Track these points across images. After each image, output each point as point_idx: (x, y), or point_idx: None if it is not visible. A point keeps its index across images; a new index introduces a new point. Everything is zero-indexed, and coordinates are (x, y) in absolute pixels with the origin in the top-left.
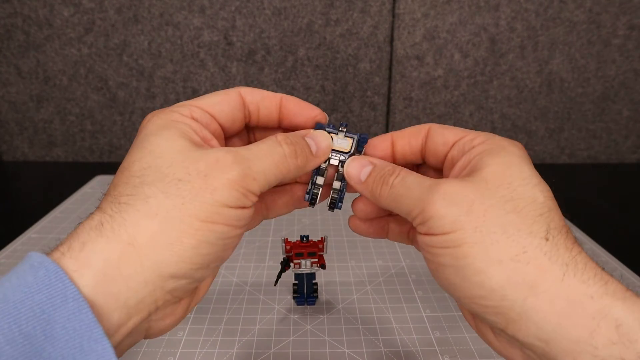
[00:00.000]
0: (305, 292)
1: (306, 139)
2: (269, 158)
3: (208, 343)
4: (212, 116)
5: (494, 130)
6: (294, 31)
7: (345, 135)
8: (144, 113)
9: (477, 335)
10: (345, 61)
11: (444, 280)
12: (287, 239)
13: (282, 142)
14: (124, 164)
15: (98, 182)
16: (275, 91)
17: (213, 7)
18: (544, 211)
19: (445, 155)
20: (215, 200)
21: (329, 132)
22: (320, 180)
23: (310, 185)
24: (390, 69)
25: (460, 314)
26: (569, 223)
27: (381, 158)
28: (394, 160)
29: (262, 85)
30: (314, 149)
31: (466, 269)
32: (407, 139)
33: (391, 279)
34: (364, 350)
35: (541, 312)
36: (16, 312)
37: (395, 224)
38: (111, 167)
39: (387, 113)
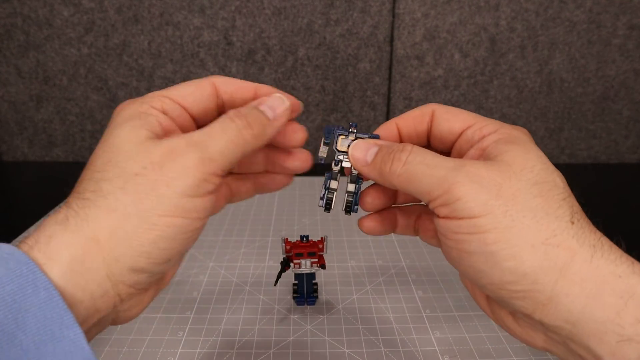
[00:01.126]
0: (305, 292)
1: (260, 107)
2: (223, 136)
3: (208, 343)
4: (184, 107)
5: None
6: (294, 31)
7: (356, 136)
8: None
9: (477, 335)
10: (345, 61)
11: (469, 267)
12: (287, 239)
13: (233, 117)
14: (91, 157)
15: None
16: None
17: (213, 7)
18: (566, 196)
19: (453, 144)
20: (174, 192)
21: (339, 134)
22: (334, 184)
23: (323, 190)
24: (390, 69)
25: (461, 313)
26: None
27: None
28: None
29: None
30: (270, 114)
31: (497, 254)
32: (412, 126)
33: (391, 279)
34: (364, 350)
35: (571, 295)
36: None
37: (402, 215)
38: None
39: (387, 113)
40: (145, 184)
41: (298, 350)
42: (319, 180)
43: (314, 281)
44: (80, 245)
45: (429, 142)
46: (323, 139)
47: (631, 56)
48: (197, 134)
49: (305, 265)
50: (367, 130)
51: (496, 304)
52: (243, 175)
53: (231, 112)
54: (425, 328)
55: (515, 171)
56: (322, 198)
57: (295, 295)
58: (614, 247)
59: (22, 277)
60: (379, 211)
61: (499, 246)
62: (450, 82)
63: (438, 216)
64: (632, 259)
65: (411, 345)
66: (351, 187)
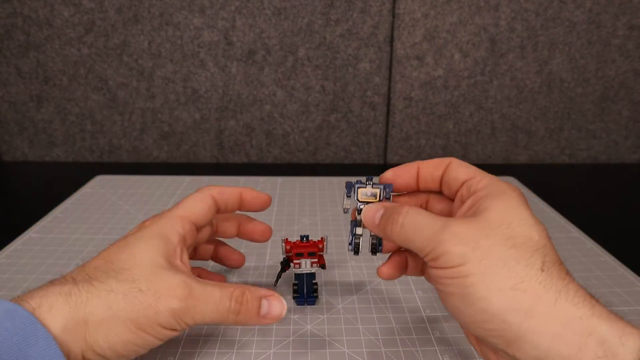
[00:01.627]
0: (305, 292)
1: (263, 300)
2: (213, 307)
3: (208, 343)
4: (195, 224)
5: (494, 130)
6: (294, 31)
7: (372, 187)
8: (144, 113)
9: None
10: (345, 61)
11: (453, 307)
12: (287, 239)
13: (232, 299)
14: (111, 249)
15: (98, 182)
16: (276, 91)
17: (213, 7)
18: (539, 247)
19: (457, 191)
20: (154, 320)
21: (359, 187)
22: (359, 230)
23: (351, 236)
24: (390, 69)
25: None
26: (571, 224)
27: (406, 182)
28: (417, 184)
29: (262, 85)
30: (264, 311)
31: (471, 296)
32: (431, 169)
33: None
34: (364, 350)
35: (536, 333)
36: None
37: (411, 259)
38: (111, 167)
39: (387, 113)
40: (141, 302)
41: (298, 350)
42: (319, 180)
43: (314, 281)
44: (73, 320)
45: (440, 187)
46: (345, 192)
47: (631, 56)
48: (198, 289)
49: (305, 265)
50: (367, 130)
51: (482, 342)
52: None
53: (236, 292)
54: (425, 328)
55: (492, 227)
56: (350, 243)
57: (295, 295)
58: (580, 292)
59: (26, 330)
60: (392, 257)
61: (473, 289)
62: (450, 82)
63: (431, 266)
64: (593, 302)
65: (411, 345)
66: (359, 231)
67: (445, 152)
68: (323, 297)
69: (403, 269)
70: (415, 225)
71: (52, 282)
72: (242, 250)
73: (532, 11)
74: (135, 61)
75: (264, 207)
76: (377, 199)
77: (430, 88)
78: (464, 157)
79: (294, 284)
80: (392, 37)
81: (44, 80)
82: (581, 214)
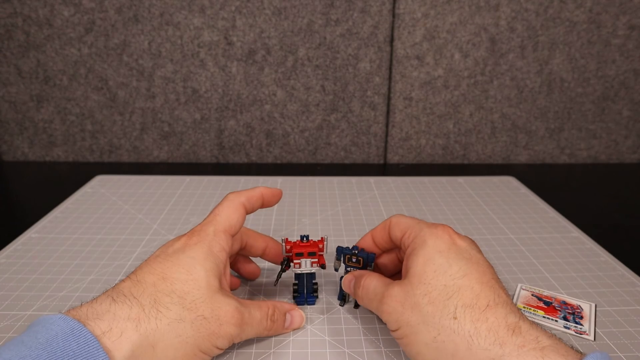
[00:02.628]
0: (305, 292)
1: (287, 314)
2: (257, 328)
3: None
4: (232, 235)
5: (494, 130)
6: (294, 31)
7: (357, 257)
8: (144, 113)
9: None
10: (345, 61)
11: (409, 357)
12: (287, 239)
13: (269, 319)
14: (166, 265)
15: (98, 182)
16: (276, 91)
17: (213, 7)
18: (452, 294)
19: (400, 247)
20: (214, 343)
21: (346, 254)
22: None
23: (340, 290)
24: (390, 69)
25: None
26: (571, 224)
27: (370, 248)
28: (378, 249)
29: (262, 85)
30: (287, 323)
31: (411, 352)
32: (380, 234)
33: None
34: (364, 350)
35: None
36: None
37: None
38: (111, 167)
39: (387, 113)
40: (206, 329)
41: (298, 350)
42: (319, 180)
43: (314, 281)
44: (142, 347)
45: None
46: (336, 255)
47: (631, 56)
48: (247, 314)
49: (305, 265)
50: (367, 130)
51: None
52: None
53: (270, 311)
54: None
55: (413, 288)
56: (338, 298)
57: (295, 295)
58: (491, 332)
59: (89, 357)
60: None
61: (410, 347)
62: (450, 82)
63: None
64: (504, 339)
65: None
66: None
67: (445, 152)
68: (323, 297)
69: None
70: (368, 293)
71: (114, 300)
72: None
73: (532, 11)
74: (136, 61)
75: (278, 201)
76: (360, 267)
77: (430, 88)
78: (463, 157)
79: (294, 284)
80: (392, 37)
81: (44, 80)
82: (581, 214)
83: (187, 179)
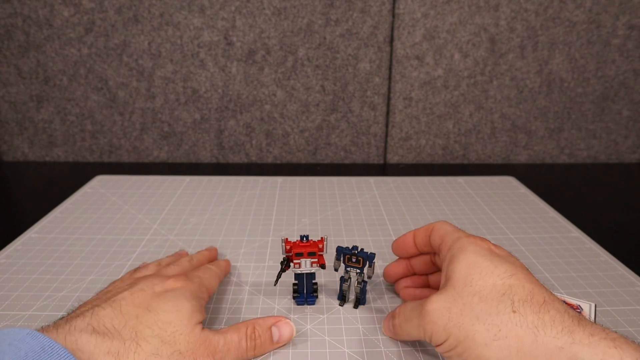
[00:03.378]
0: (305, 292)
1: (273, 328)
2: (235, 352)
3: None
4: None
5: (494, 130)
6: (294, 31)
7: (357, 258)
8: (144, 113)
9: None
10: (345, 61)
11: None
12: (287, 238)
13: (248, 338)
14: (153, 304)
15: (98, 182)
16: (276, 91)
17: (213, 7)
18: (505, 291)
19: (438, 254)
20: None
21: (345, 254)
22: (345, 286)
23: (340, 290)
24: (390, 69)
25: None
26: (571, 224)
27: (405, 249)
28: (417, 249)
29: (262, 85)
30: (276, 337)
31: (469, 358)
32: (422, 235)
33: None
34: (364, 350)
35: None
36: None
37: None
38: (111, 167)
39: (387, 113)
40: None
41: (298, 350)
42: (319, 180)
43: (313, 281)
44: None
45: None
46: (335, 255)
47: (631, 56)
48: (221, 343)
49: (305, 265)
50: (367, 130)
51: None
52: None
53: (249, 330)
54: None
55: (459, 291)
56: (338, 297)
57: (295, 295)
58: (557, 321)
59: None
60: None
61: (466, 354)
62: (450, 82)
63: (434, 346)
64: (573, 328)
65: (411, 345)
66: (357, 289)
67: (445, 152)
68: (323, 297)
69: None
70: (405, 321)
71: (95, 330)
72: (242, 250)
73: (532, 11)
74: (135, 61)
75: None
76: (361, 266)
77: (430, 88)
78: (463, 157)
79: (294, 284)
80: (392, 37)
81: (44, 80)
82: (581, 214)
83: (187, 179)
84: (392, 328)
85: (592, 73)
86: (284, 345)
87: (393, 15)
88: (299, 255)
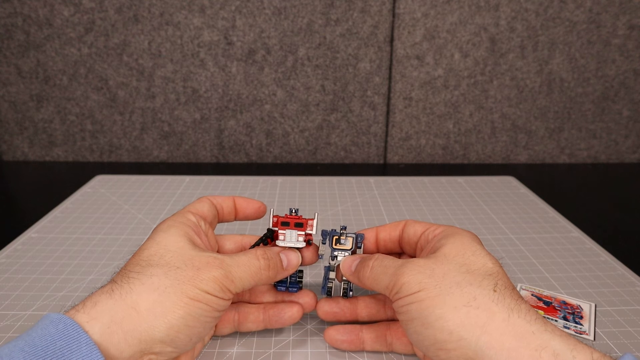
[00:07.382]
0: (288, 280)
1: (280, 254)
2: (246, 268)
3: (208, 342)
4: (202, 216)
5: (494, 130)
6: (294, 31)
7: (346, 236)
8: (144, 113)
9: None
10: (345, 61)
11: (414, 333)
12: (277, 215)
13: (260, 257)
14: (137, 251)
15: (98, 182)
16: (276, 91)
17: (213, 7)
18: (492, 272)
19: (416, 244)
20: (202, 288)
21: (333, 236)
22: (332, 275)
23: (324, 280)
24: (390, 68)
25: None
26: (571, 224)
27: (367, 245)
28: (377, 247)
29: (262, 85)
30: (285, 263)
31: (429, 317)
32: (388, 231)
33: None
34: (364, 350)
35: (492, 349)
36: (43, 354)
37: (367, 331)
38: (111, 167)
39: (387, 113)
40: (184, 275)
41: (298, 350)
42: (319, 180)
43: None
44: (122, 310)
45: (402, 249)
46: (321, 240)
47: (631, 56)
48: (228, 259)
49: (291, 237)
50: (367, 130)
51: None
52: (254, 305)
53: (259, 251)
54: None
55: (448, 258)
56: (323, 287)
57: (276, 283)
58: (532, 311)
59: (69, 336)
60: (344, 325)
61: (430, 310)
62: (450, 82)
63: (394, 301)
64: (545, 320)
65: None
66: (332, 275)
67: (445, 152)
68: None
69: (356, 339)
70: (382, 266)
71: (95, 290)
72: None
73: (532, 11)
74: (135, 61)
75: (258, 213)
76: (350, 248)
77: (430, 88)
78: (463, 157)
79: None
80: (392, 36)
81: (44, 80)
82: (581, 214)
83: (187, 178)
84: (359, 269)
85: (592, 73)
86: (291, 273)
87: (393, 15)
88: (285, 225)
